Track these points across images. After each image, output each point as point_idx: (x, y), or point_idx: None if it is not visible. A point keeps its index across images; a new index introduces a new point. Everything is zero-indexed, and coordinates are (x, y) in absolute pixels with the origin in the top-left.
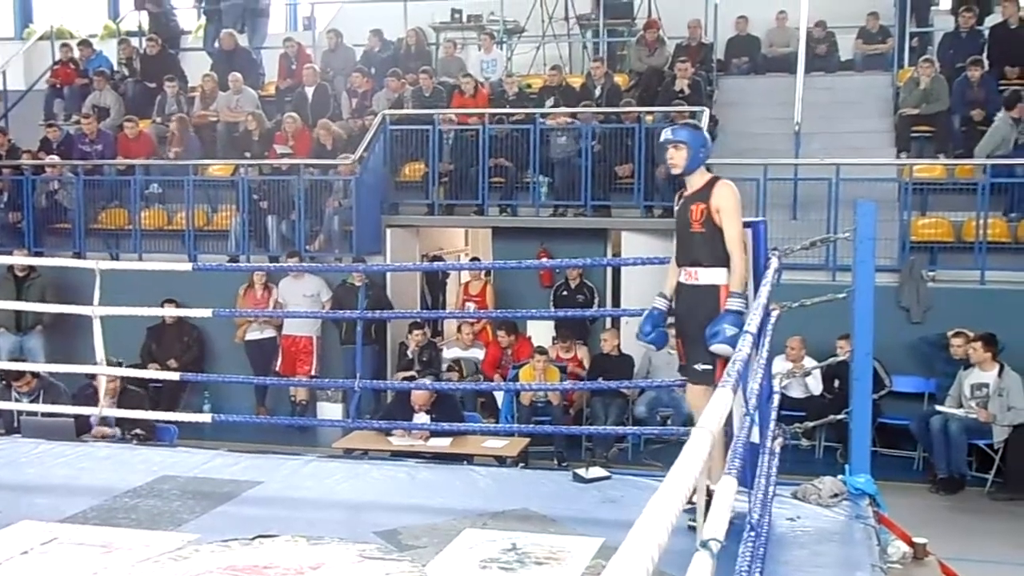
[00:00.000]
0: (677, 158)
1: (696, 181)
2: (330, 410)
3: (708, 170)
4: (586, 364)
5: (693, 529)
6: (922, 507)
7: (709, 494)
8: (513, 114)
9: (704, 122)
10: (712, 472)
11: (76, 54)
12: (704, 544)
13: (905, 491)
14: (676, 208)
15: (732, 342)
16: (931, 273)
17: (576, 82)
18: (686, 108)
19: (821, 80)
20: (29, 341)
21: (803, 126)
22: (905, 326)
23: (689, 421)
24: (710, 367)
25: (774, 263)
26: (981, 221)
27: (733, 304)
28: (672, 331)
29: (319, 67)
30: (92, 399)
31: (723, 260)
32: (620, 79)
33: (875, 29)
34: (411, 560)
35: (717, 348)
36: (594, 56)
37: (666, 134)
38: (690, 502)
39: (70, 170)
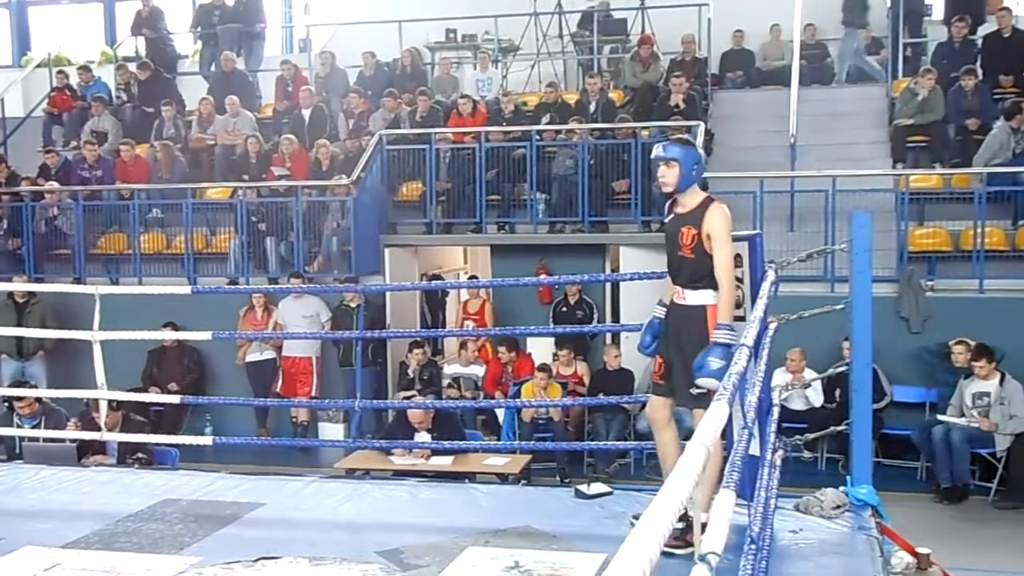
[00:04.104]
0: (668, 176)
1: (688, 200)
2: (331, 430)
3: (703, 188)
4: (587, 380)
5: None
6: (925, 517)
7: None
8: (509, 132)
9: (700, 136)
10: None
11: (74, 80)
12: (702, 558)
13: (908, 501)
14: (666, 221)
15: (718, 375)
16: (930, 283)
17: (572, 99)
18: (682, 123)
19: (816, 92)
20: (31, 367)
21: (799, 138)
22: (905, 336)
23: (691, 435)
24: (703, 390)
25: (771, 276)
26: (979, 230)
27: (720, 336)
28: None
29: (315, 89)
30: (90, 424)
31: (710, 282)
32: (615, 95)
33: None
34: None
35: (703, 381)
36: (588, 73)
37: (657, 151)
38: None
39: (69, 196)
